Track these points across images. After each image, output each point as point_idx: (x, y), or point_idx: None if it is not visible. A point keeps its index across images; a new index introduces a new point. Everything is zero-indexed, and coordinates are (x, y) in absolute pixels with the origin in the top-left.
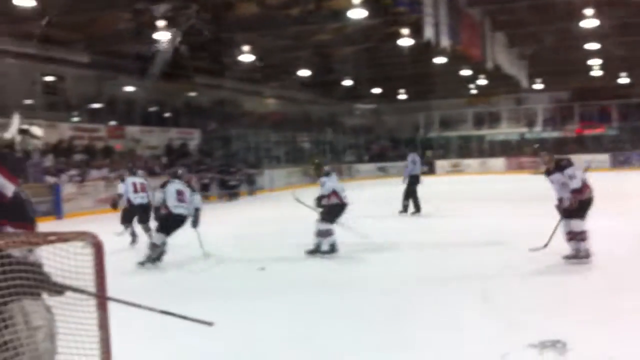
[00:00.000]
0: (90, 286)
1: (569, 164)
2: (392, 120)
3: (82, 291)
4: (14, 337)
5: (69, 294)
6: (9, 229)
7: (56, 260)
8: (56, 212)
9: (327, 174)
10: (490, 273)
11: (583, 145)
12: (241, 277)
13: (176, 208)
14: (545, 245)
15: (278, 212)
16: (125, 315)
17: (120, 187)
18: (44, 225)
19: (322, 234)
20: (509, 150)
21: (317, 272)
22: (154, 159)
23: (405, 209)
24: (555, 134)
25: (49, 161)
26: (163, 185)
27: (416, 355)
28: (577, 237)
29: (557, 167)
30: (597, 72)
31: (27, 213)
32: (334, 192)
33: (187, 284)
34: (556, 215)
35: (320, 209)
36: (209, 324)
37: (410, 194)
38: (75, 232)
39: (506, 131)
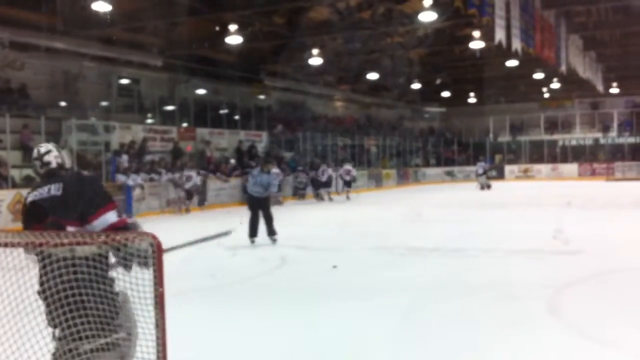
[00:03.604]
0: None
1: None
2: (461, 124)
3: None
4: (127, 319)
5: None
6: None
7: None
8: (127, 211)
9: None
10: (557, 282)
11: None
12: (310, 277)
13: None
14: None
15: (341, 213)
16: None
17: None
18: None
19: None
20: (582, 156)
21: (390, 275)
22: (224, 160)
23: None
24: (631, 140)
25: (124, 162)
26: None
27: None
28: None
29: None
30: None
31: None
32: None
33: (257, 283)
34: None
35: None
36: (227, 233)
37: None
38: (137, 232)
39: (580, 136)
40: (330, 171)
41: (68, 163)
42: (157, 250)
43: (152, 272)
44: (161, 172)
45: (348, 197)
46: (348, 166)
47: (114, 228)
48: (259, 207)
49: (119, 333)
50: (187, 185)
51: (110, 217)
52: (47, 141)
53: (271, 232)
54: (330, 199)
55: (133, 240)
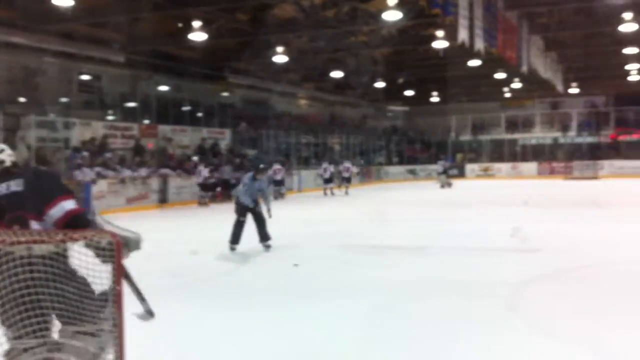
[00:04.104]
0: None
1: None
2: (424, 123)
3: None
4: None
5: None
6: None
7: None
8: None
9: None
10: (517, 280)
11: (618, 151)
12: (274, 276)
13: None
14: None
15: (304, 211)
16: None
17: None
18: None
19: None
20: (542, 155)
21: (347, 273)
22: (186, 158)
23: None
24: (589, 139)
25: (81, 158)
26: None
27: None
28: None
29: None
30: (634, 77)
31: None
32: None
33: (218, 282)
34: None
35: None
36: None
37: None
38: (96, 230)
39: (539, 135)
40: (332, 168)
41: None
42: (117, 249)
43: (110, 270)
44: (116, 168)
45: (347, 192)
46: (347, 164)
47: (71, 215)
48: (249, 212)
49: (90, 326)
50: (200, 180)
51: (68, 204)
52: (6, 137)
53: (264, 237)
54: (333, 194)
55: (92, 238)
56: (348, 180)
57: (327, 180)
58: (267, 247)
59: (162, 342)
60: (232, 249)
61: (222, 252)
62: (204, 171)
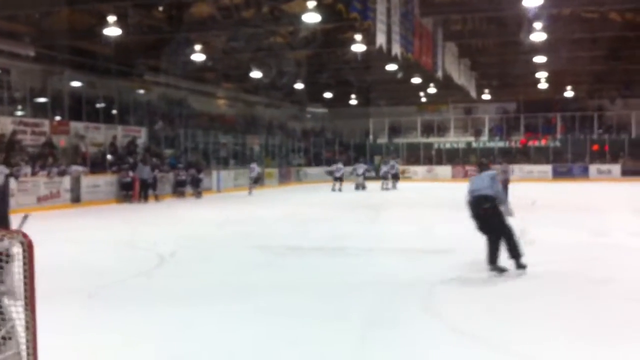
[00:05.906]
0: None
1: None
2: (343, 125)
3: None
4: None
5: None
6: None
7: None
8: None
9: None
10: (433, 280)
11: (527, 155)
12: (189, 277)
13: None
14: None
15: (224, 213)
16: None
17: None
18: None
19: None
20: (456, 158)
21: (267, 275)
22: (100, 155)
23: None
24: (501, 144)
25: None
26: None
27: None
28: None
29: None
30: (543, 85)
31: None
32: None
33: (141, 285)
34: None
35: None
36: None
37: None
38: (4, 230)
39: (454, 140)
40: (364, 167)
41: None
42: (28, 250)
43: (22, 271)
44: (21, 164)
45: (395, 187)
46: (392, 162)
47: None
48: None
49: None
50: (252, 174)
51: None
52: None
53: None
54: (363, 188)
55: (2, 239)
56: (395, 176)
57: (338, 179)
58: (523, 266)
59: (69, 345)
60: (497, 269)
61: (139, 252)
62: (257, 168)
